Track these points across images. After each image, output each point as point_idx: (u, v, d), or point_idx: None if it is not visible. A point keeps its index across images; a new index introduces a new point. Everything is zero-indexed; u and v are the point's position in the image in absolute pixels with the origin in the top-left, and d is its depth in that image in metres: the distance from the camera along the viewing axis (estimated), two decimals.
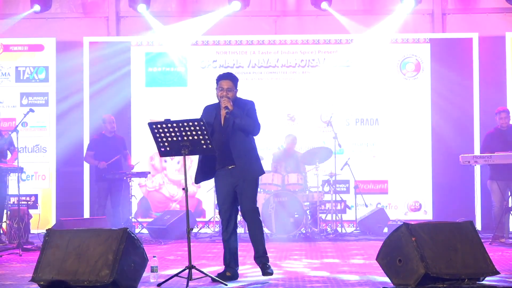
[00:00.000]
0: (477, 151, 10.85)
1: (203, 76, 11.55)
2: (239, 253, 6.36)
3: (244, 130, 6.15)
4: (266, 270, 6.18)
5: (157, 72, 11.71)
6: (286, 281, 6.10)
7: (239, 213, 6.35)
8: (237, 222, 6.37)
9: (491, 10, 11.79)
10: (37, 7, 11.36)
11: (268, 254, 6.36)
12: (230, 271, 6.20)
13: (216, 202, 10.33)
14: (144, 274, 5.71)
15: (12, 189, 9.19)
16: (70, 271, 5.33)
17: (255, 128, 6.20)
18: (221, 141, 6.10)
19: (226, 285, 5.81)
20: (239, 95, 6.36)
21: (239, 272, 6.31)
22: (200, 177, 6.28)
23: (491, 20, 11.75)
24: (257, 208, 6.29)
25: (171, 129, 5.83)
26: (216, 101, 6.28)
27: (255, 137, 6.34)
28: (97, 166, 10.17)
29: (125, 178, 10.09)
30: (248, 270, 6.72)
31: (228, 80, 6.20)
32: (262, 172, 6.33)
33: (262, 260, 6.24)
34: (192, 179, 6.31)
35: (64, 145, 11.53)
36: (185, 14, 11.92)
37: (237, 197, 6.24)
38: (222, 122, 6.17)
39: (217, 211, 10.49)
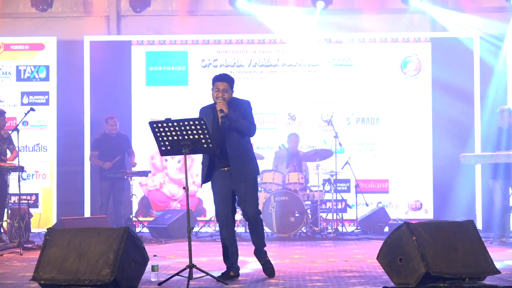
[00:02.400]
0: (477, 150, 10.84)
1: (204, 75, 11.54)
2: (239, 252, 6.35)
3: (240, 132, 6.12)
4: (268, 265, 6.27)
5: (157, 71, 11.70)
6: (286, 280, 6.10)
7: (237, 212, 6.38)
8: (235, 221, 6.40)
9: (491, 10, 11.78)
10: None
11: (269, 253, 6.41)
12: (234, 271, 6.20)
13: None
14: (145, 273, 5.70)
15: (12, 188, 9.18)
16: (70, 270, 5.33)
17: (251, 130, 6.18)
18: (218, 142, 6.03)
19: (227, 284, 5.81)
20: (240, 93, 6.34)
21: (240, 271, 6.31)
22: (208, 178, 6.24)
23: (492, 19, 11.74)
24: (259, 210, 6.34)
25: (171, 128, 5.81)
26: (212, 101, 6.25)
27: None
28: (101, 166, 10.22)
29: (126, 177, 10.11)
30: (249, 269, 6.72)
31: (224, 82, 6.14)
32: (258, 171, 6.35)
33: (262, 255, 6.31)
34: (193, 178, 6.31)
35: (65, 144, 11.53)
36: (186, 13, 11.92)
37: (234, 198, 6.24)
38: (220, 123, 6.12)
39: None
